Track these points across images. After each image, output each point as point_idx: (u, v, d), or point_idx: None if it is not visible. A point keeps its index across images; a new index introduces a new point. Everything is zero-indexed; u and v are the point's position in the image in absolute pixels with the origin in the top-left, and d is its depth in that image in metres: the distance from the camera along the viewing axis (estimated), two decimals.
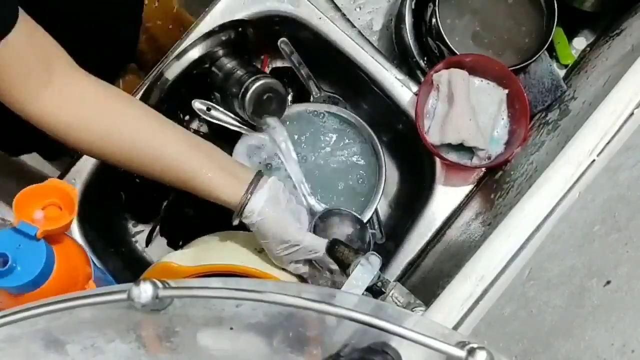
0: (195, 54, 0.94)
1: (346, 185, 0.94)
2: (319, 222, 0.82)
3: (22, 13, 0.64)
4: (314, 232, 0.79)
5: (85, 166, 0.90)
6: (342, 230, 0.82)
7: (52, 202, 0.60)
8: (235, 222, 0.75)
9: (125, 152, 0.72)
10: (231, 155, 0.91)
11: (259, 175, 0.75)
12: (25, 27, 0.64)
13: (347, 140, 0.95)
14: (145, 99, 0.93)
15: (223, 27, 0.94)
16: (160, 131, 0.73)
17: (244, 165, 0.79)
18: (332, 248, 0.72)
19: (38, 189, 0.60)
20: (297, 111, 0.94)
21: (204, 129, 1.06)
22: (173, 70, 0.93)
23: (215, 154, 0.76)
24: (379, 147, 0.92)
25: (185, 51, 0.93)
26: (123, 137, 0.71)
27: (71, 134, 0.70)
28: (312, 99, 0.99)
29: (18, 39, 0.63)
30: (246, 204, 0.73)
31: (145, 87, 0.93)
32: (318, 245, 0.75)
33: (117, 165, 0.74)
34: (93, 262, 0.71)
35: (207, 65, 0.95)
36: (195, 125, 1.07)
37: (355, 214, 0.85)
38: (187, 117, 1.05)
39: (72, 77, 0.70)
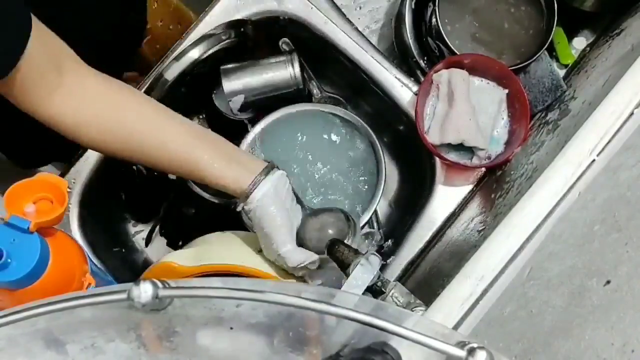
0: (195, 54, 0.94)
1: (346, 185, 0.94)
2: (310, 220, 0.81)
3: (32, 19, 0.64)
4: (304, 230, 0.79)
5: (85, 166, 0.90)
6: (333, 226, 0.81)
7: (43, 196, 0.60)
8: (239, 208, 0.75)
9: (134, 146, 0.72)
10: None
11: (268, 166, 0.75)
12: (37, 33, 0.64)
13: (347, 140, 0.95)
14: (149, 94, 0.93)
15: (223, 27, 0.94)
16: (167, 123, 0.74)
17: (252, 156, 0.79)
18: (332, 248, 0.71)
19: (28, 183, 0.60)
20: (298, 111, 0.94)
21: (204, 127, 1.06)
22: (173, 71, 0.93)
23: (222, 144, 0.76)
24: (379, 147, 0.92)
25: (185, 52, 0.93)
26: (130, 131, 0.72)
27: (83, 132, 0.70)
28: (313, 99, 1.00)
29: (32, 46, 0.63)
30: (250, 193, 0.73)
31: (145, 87, 0.93)
32: (302, 259, 0.75)
33: (126, 159, 0.75)
34: (93, 262, 0.71)
35: (207, 66, 0.95)
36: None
37: (345, 211, 0.84)
38: (187, 117, 1.05)
39: (81, 76, 0.70)
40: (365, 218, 0.90)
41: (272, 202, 0.74)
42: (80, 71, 0.71)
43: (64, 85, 0.68)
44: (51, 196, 0.60)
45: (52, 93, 0.67)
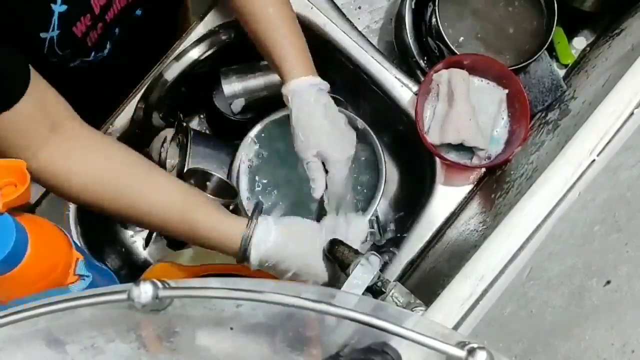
0: (195, 54, 0.94)
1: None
2: None
3: (34, 76, 0.64)
4: None
5: None
6: None
7: (6, 182, 0.60)
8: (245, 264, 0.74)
9: (123, 205, 0.71)
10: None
11: (258, 205, 0.76)
12: (36, 92, 0.64)
13: None
14: (145, 99, 0.93)
15: (223, 28, 0.94)
16: (159, 182, 0.74)
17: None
18: (332, 248, 0.72)
19: None
20: None
21: (204, 127, 1.06)
22: (173, 71, 0.93)
23: (211, 203, 0.76)
24: (380, 147, 0.92)
25: (185, 52, 0.93)
26: (122, 184, 0.71)
27: (73, 180, 0.69)
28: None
29: (26, 106, 0.63)
30: (252, 235, 0.72)
31: (145, 87, 0.93)
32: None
33: (116, 215, 0.73)
34: (93, 261, 0.71)
35: (206, 66, 0.95)
36: (195, 124, 1.07)
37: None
38: (187, 117, 1.06)
39: (74, 130, 0.70)
40: (366, 218, 0.90)
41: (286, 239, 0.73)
42: (74, 125, 0.71)
43: (56, 139, 0.68)
44: (14, 180, 0.60)
45: (42, 146, 0.67)
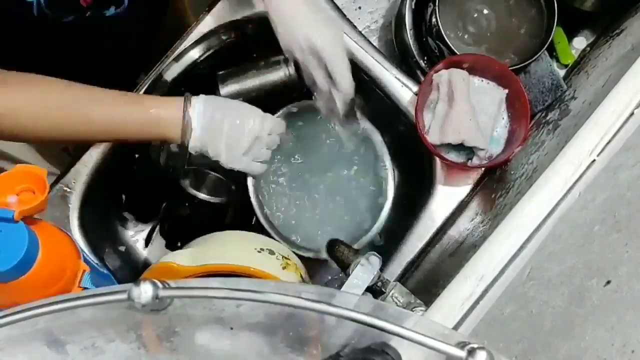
0: (195, 54, 0.94)
1: (354, 191, 0.94)
2: None
3: None
4: None
5: (85, 166, 0.90)
6: None
7: (24, 188, 0.60)
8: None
9: (59, 124, 0.73)
10: None
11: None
12: None
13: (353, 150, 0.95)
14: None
15: (223, 28, 0.94)
16: (97, 90, 0.76)
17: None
18: (332, 248, 0.72)
19: (8, 176, 0.60)
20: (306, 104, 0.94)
21: None
22: (173, 71, 0.93)
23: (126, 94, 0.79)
24: (386, 152, 0.92)
25: (185, 52, 0.93)
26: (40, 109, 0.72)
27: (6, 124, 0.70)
28: (314, 98, 1.00)
29: None
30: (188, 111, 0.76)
31: (145, 87, 0.93)
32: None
33: (46, 138, 0.76)
34: (93, 262, 0.71)
35: (206, 66, 0.95)
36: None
37: None
38: None
39: (2, 79, 0.71)
40: (375, 228, 0.89)
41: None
42: (2, 72, 0.72)
43: None
44: (32, 186, 0.60)
45: None
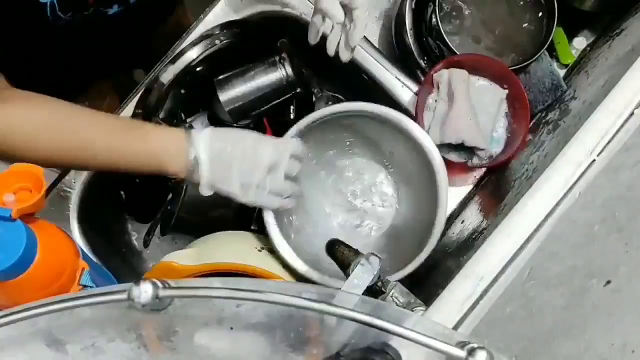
0: (192, 55, 0.93)
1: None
2: None
3: None
4: None
5: None
6: None
7: (21, 187, 0.60)
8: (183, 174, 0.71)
9: (55, 148, 0.69)
10: None
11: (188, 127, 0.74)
12: None
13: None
14: (143, 100, 0.93)
15: (221, 28, 0.94)
16: (103, 117, 0.72)
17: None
18: (332, 248, 0.71)
19: (4, 175, 0.59)
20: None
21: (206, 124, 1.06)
22: (172, 71, 0.93)
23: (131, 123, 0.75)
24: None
25: (182, 52, 0.93)
26: (52, 135, 0.69)
27: (9, 144, 0.67)
28: (314, 98, 1.00)
29: None
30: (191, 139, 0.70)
31: (144, 88, 0.92)
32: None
33: (40, 161, 0.70)
34: (93, 262, 0.71)
35: (205, 67, 0.95)
36: (197, 125, 1.07)
37: None
38: (189, 118, 1.05)
39: (9, 95, 0.69)
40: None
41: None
42: (8, 91, 0.69)
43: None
44: (29, 185, 0.60)
45: None
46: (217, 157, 0.71)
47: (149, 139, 0.70)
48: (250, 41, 0.98)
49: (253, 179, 0.72)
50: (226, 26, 0.94)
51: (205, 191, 0.73)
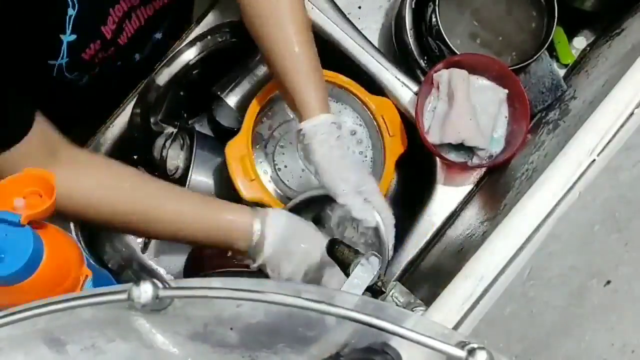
0: (190, 55, 0.93)
1: None
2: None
3: (36, 113, 0.64)
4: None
5: None
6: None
7: (32, 191, 0.60)
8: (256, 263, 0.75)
9: (135, 220, 0.72)
10: None
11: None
12: (38, 129, 0.64)
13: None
14: (142, 100, 0.92)
15: (219, 29, 0.94)
16: (171, 194, 0.75)
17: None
18: (332, 248, 0.71)
19: (15, 179, 0.59)
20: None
21: (206, 129, 1.06)
22: (171, 71, 0.93)
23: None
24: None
25: (180, 52, 0.93)
26: (132, 199, 0.72)
27: (71, 206, 0.69)
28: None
29: (29, 142, 0.63)
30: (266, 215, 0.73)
31: (143, 88, 0.92)
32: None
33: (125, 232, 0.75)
34: (93, 262, 0.71)
35: (204, 68, 0.95)
36: (198, 126, 1.07)
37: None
38: (190, 118, 1.05)
39: (74, 154, 0.71)
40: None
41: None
42: (70, 152, 0.70)
43: (54, 167, 0.67)
44: (40, 190, 0.60)
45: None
46: (280, 244, 0.74)
47: (221, 212, 0.74)
48: (248, 42, 0.97)
49: (301, 272, 0.76)
50: (225, 26, 0.94)
51: (253, 267, 0.76)
